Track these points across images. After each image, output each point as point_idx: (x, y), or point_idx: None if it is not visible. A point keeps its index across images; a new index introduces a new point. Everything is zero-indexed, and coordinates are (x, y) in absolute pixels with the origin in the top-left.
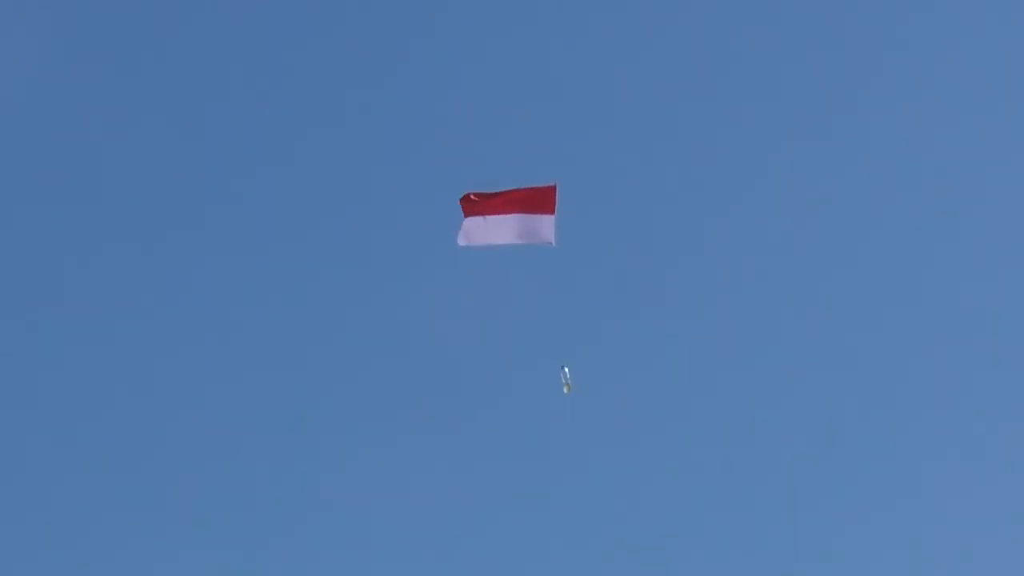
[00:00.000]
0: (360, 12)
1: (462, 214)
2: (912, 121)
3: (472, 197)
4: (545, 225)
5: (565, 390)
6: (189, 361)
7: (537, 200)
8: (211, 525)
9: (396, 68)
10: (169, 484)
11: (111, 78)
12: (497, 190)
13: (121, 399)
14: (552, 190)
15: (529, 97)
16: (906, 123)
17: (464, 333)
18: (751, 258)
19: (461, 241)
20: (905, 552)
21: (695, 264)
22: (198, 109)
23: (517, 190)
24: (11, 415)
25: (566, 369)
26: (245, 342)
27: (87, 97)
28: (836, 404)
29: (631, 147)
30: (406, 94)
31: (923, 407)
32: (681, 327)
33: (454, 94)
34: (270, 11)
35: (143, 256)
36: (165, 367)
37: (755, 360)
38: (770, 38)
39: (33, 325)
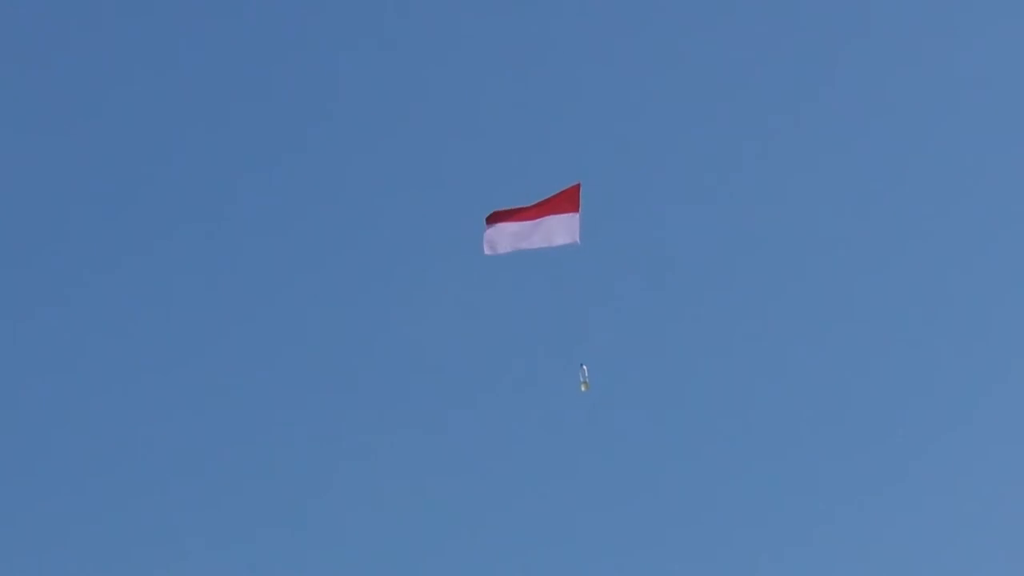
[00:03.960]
0: (372, 16)
1: (485, 226)
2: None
3: (497, 214)
4: (569, 224)
5: (583, 388)
6: (190, 362)
7: (561, 200)
8: (210, 525)
9: (408, 70)
10: (167, 486)
11: (112, 77)
12: (519, 205)
13: (123, 400)
14: (576, 189)
15: (544, 99)
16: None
17: (477, 333)
18: (761, 256)
19: (487, 250)
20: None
21: (705, 263)
22: (208, 107)
23: (540, 201)
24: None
25: (585, 367)
26: (255, 343)
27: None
28: (846, 398)
29: (645, 148)
30: (420, 96)
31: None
32: (690, 327)
33: (471, 97)
34: (285, 16)
35: (150, 255)
36: (165, 370)
37: (764, 359)
38: (778, 37)
39: (39, 326)
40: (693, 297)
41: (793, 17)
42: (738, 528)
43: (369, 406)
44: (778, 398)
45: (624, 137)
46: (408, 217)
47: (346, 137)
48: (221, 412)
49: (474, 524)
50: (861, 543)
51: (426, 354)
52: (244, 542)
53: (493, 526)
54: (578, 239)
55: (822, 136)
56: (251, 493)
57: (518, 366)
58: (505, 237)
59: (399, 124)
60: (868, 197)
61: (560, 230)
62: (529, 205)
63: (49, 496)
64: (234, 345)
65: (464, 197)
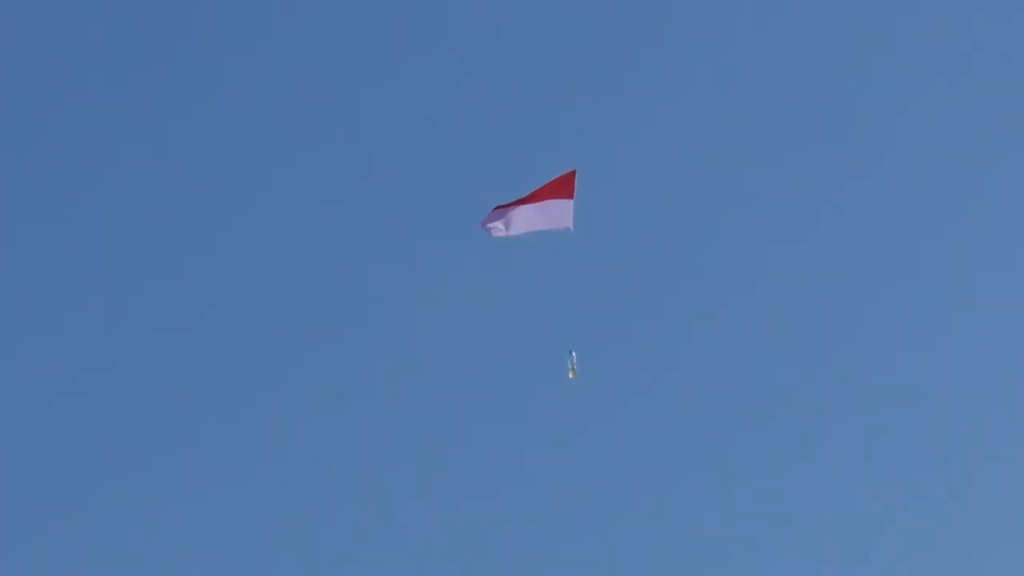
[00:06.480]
0: (372, 11)
1: (485, 216)
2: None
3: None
4: (564, 210)
5: (570, 375)
6: (201, 366)
7: (556, 186)
8: (209, 524)
9: (408, 67)
10: (163, 485)
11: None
12: (514, 192)
13: (129, 400)
14: (571, 176)
15: (542, 92)
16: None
17: (471, 324)
18: (759, 248)
19: (489, 235)
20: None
21: (701, 254)
22: (209, 105)
23: (536, 189)
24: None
25: (573, 354)
26: (254, 341)
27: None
28: (844, 391)
29: (643, 141)
30: (422, 93)
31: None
32: (685, 319)
33: (471, 89)
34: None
35: (163, 255)
36: (164, 369)
37: (760, 350)
38: (780, 34)
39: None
40: (688, 288)
41: (790, 16)
42: (738, 528)
43: (367, 402)
44: (775, 393)
45: (620, 125)
46: (402, 210)
47: (343, 134)
48: (222, 410)
49: (473, 521)
50: (865, 545)
51: (421, 346)
52: (245, 541)
53: (492, 524)
54: (571, 225)
55: (820, 131)
56: (250, 492)
57: (510, 357)
58: (499, 223)
59: (394, 116)
60: (867, 188)
61: (554, 216)
62: (525, 194)
63: (47, 495)
64: (234, 343)
65: (461, 189)
